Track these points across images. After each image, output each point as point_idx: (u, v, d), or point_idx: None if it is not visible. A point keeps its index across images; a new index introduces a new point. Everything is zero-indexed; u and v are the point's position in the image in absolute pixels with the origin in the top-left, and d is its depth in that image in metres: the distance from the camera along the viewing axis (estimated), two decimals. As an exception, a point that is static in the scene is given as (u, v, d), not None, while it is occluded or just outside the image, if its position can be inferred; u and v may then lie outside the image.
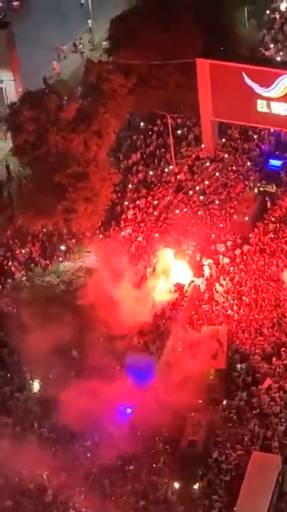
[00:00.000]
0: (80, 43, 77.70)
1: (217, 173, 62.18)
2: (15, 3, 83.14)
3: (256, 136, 64.72)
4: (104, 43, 69.41)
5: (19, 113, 57.79)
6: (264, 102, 60.17)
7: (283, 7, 76.23)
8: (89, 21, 78.67)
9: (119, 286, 52.88)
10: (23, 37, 72.98)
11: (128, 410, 47.31)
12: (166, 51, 61.68)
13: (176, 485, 44.10)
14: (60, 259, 57.95)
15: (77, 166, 56.11)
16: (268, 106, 60.28)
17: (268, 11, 75.41)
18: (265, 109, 60.49)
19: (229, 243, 56.90)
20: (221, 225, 58.48)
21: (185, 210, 59.94)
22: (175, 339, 51.07)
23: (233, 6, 68.52)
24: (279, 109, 60.02)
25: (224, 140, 64.89)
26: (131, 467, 45.43)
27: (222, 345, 49.51)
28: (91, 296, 52.18)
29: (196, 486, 43.88)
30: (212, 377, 48.55)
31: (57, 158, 56.90)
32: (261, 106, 60.46)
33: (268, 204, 59.37)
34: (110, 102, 59.24)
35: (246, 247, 56.41)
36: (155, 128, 66.70)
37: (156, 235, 57.74)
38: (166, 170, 63.20)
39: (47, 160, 57.34)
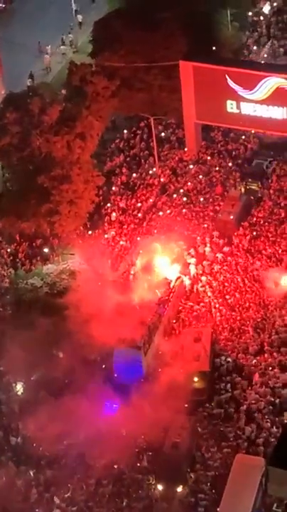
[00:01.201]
0: (64, 42, 77.59)
1: (201, 176, 62.30)
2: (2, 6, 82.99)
3: (243, 137, 64.87)
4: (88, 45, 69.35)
5: (2, 115, 57.71)
6: (247, 104, 60.38)
7: (266, 10, 76.48)
8: (79, 16, 78.76)
9: (104, 288, 52.97)
10: (7, 39, 72.91)
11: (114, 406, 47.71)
12: (150, 54, 61.88)
13: (160, 487, 44.16)
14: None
15: (61, 168, 56.10)
16: (252, 108, 60.52)
17: (250, 13, 75.61)
18: (248, 112, 60.68)
19: (215, 239, 57.15)
20: (205, 225, 58.62)
21: (169, 211, 59.98)
22: (162, 334, 51.32)
23: (216, 9, 68.65)
24: (262, 111, 60.21)
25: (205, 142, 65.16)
26: (115, 466, 45.43)
27: (205, 347, 49.57)
28: (75, 299, 52.28)
29: (179, 489, 43.94)
30: (196, 379, 48.60)
31: (40, 160, 56.90)
32: (244, 108, 60.68)
33: (253, 203, 59.77)
34: (93, 104, 59.19)
35: (226, 249, 56.60)
36: (138, 130, 66.75)
37: (138, 238, 57.78)
38: (150, 172, 63.28)
39: (30, 162, 57.31)
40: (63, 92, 64.11)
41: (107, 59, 62.40)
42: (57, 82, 69.43)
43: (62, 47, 76.78)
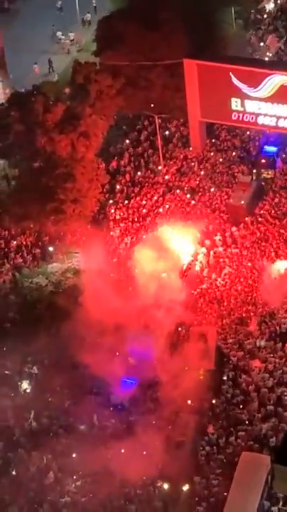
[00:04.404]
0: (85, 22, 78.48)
1: (202, 172, 62.36)
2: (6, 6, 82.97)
3: (248, 132, 64.80)
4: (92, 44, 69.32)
5: (7, 114, 57.73)
6: (251, 102, 60.29)
7: (270, 7, 76.36)
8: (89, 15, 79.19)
9: (108, 286, 53.05)
10: (11, 38, 72.96)
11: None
12: (154, 52, 61.75)
13: (166, 486, 44.14)
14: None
15: (65, 167, 56.05)
16: (256, 106, 60.48)
17: (252, 11, 75.44)
18: (252, 110, 60.58)
19: (232, 231, 57.66)
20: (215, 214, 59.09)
21: (167, 206, 60.06)
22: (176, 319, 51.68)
23: (220, 7, 68.57)
24: (267, 109, 60.09)
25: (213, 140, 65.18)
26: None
27: (211, 345, 49.52)
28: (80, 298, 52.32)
29: (185, 488, 43.87)
30: (201, 377, 48.54)
31: (44, 159, 56.85)
32: (248, 106, 60.59)
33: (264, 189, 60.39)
34: (97, 103, 59.17)
35: (238, 231, 57.28)
36: (143, 129, 66.68)
37: (144, 236, 57.83)
38: (156, 170, 63.22)
39: (35, 161, 57.27)
40: (68, 90, 64.06)
41: (111, 58, 62.33)
42: (61, 81, 69.43)
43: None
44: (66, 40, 77.27)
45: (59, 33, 77.49)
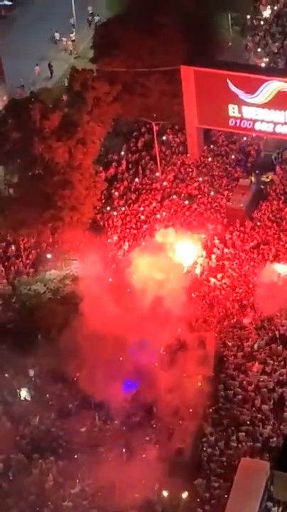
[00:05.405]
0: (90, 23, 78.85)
1: (201, 179, 62.45)
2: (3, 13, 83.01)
3: (245, 138, 64.91)
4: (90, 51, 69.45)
5: (4, 121, 57.78)
6: (248, 108, 60.38)
7: (266, 13, 76.47)
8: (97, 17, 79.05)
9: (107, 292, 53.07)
10: (10, 45, 73.04)
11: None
12: (151, 58, 61.84)
13: (165, 493, 44.11)
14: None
15: (62, 174, 56.09)
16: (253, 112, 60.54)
17: (248, 16, 75.57)
18: (250, 116, 60.67)
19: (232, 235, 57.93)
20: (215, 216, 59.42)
21: (164, 214, 60.27)
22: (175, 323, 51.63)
23: (216, 13, 68.65)
24: (264, 115, 60.17)
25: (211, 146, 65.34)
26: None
27: (209, 352, 49.54)
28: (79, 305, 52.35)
29: (184, 495, 43.86)
30: (199, 384, 48.54)
31: (42, 166, 56.90)
32: (245, 112, 60.67)
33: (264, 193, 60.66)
34: (95, 109, 59.20)
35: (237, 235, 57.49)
36: (140, 136, 66.76)
37: (143, 243, 57.87)
38: (154, 177, 63.30)
39: (32, 168, 57.31)
40: (65, 97, 64.13)
41: (108, 64, 62.42)
42: (59, 88, 69.52)
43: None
44: (68, 42, 77.24)
45: (57, 35, 77.39)
